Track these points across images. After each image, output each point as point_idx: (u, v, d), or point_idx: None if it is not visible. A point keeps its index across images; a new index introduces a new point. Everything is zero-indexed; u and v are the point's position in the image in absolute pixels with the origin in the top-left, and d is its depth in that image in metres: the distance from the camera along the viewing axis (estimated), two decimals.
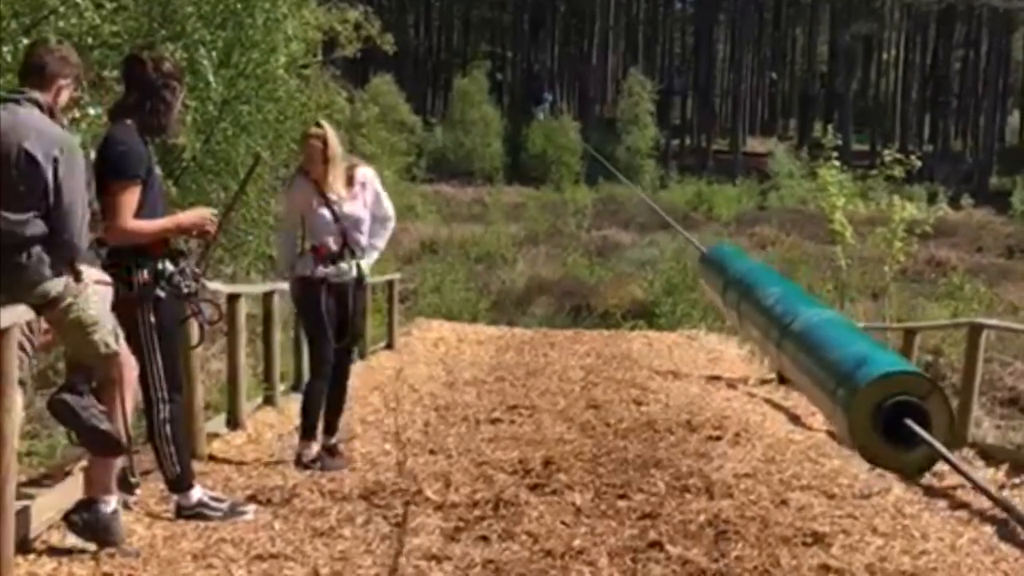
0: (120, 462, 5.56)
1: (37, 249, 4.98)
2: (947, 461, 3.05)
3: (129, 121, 5.80)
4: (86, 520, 5.37)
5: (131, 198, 5.66)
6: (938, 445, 3.04)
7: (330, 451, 7.88)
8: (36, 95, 5.11)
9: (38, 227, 4.97)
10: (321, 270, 7.68)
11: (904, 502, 6.97)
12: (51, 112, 5.14)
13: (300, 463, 7.59)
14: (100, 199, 5.66)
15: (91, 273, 5.30)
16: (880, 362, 3.26)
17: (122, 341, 5.35)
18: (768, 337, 4.13)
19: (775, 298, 4.23)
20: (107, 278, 5.47)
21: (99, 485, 5.42)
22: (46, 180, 4.95)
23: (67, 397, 5.23)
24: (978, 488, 2.88)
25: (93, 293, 5.23)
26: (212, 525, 5.92)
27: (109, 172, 5.68)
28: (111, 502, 5.41)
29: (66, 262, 5.07)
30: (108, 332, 5.25)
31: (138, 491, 6.15)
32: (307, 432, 7.78)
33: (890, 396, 3.12)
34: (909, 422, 3.08)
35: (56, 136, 5.07)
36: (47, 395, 5.81)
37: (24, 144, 4.94)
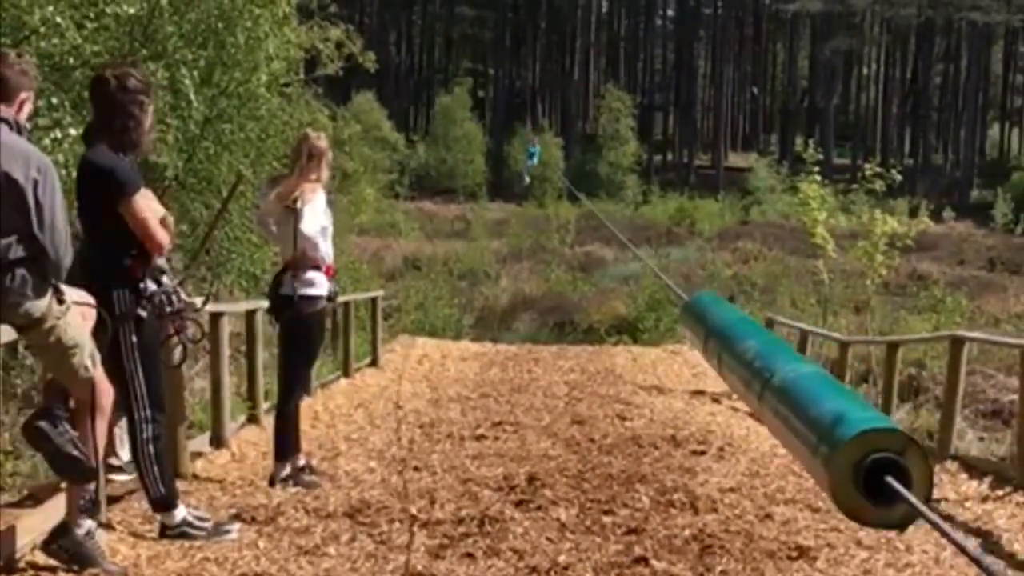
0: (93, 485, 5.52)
1: (21, 271, 4.95)
2: (927, 520, 3.08)
3: (102, 142, 5.75)
4: (63, 546, 5.35)
5: (148, 203, 5.69)
6: (917, 503, 3.08)
7: (310, 468, 7.88)
8: (2, 112, 5.03)
9: (20, 250, 4.94)
10: (330, 288, 7.72)
11: None
12: (18, 128, 5.09)
13: (274, 484, 7.58)
14: (90, 221, 5.67)
15: (73, 294, 5.29)
16: (856, 420, 3.28)
17: (99, 366, 5.31)
18: (750, 391, 4.16)
19: (754, 352, 4.25)
20: (90, 299, 5.45)
21: (74, 509, 5.41)
22: (27, 201, 4.92)
23: (42, 424, 5.20)
24: (957, 546, 2.90)
25: (74, 315, 5.21)
26: (196, 544, 5.89)
27: (109, 192, 5.64)
28: (84, 525, 5.39)
29: (50, 282, 5.05)
30: (87, 355, 5.22)
31: (102, 516, 6.08)
32: (284, 453, 7.77)
33: (868, 454, 3.15)
34: (889, 479, 3.10)
35: (32, 155, 5.03)
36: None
37: (3, 167, 4.89)
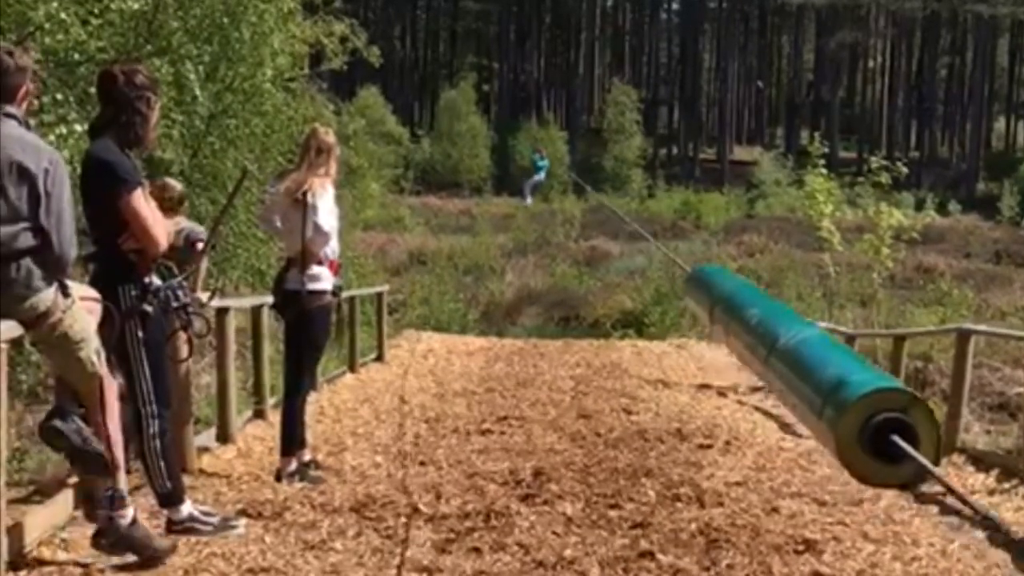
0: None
1: (27, 262, 4.97)
2: (931, 474, 3.09)
3: (107, 137, 5.75)
4: (113, 542, 5.38)
5: (145, 202, 5.67)
6: (922, 459, 3.07)
7: (316, 463, 7.90)
8: (8, 107, 5.04)
9: (28, 239, 4.96)
10: (334, 282, 7.74)
11: (895, 508, 6.96)
12: (27, 123, 5.12)
13: (280, 479, 7.61)
14: (94, 217, 5.67)
15: (79, 290, 5.29)
16: (859, 382, 3.29)
17: (104, 361, 5.32)
18: (755, 356, 4.17)
19: (757, 319, 4.27)
20: (95, 295, 5.46)
21: (117, 500, 5.43)
22: (37, 192, 4.95)
23: (57, 423, 5.23)
24: (960, 499, 2.91)
25: (80, 310, 5.21)
26: (203, 540, 5.90)
27: (110, 187, 5.63)
28: (127, 515, 5.41)
29: (55, 274, 5.06)
30: (94, 351, 5.23)
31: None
32: (290, 449, 7.79)
33: (873, 414, 3.15)
34: (895, 438, 3.11)
35: (43, 148, 5.09)
36: (37, 411, 5.80)
37: (15, 157, 4.93)
